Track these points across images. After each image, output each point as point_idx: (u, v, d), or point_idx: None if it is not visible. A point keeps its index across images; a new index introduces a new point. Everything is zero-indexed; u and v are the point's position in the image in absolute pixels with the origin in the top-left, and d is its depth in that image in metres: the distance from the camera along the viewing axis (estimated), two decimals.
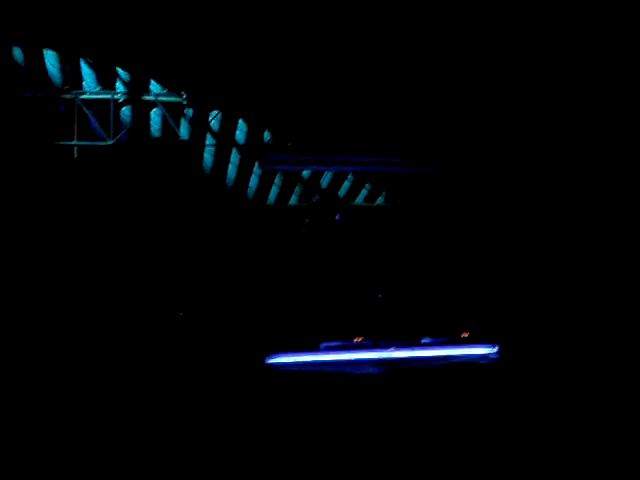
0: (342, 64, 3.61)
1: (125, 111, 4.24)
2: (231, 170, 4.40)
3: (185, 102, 4.13)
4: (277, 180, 3.80)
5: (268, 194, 3.74)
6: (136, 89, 4.15)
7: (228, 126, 4.34)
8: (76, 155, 4.04)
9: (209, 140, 4.49)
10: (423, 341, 3.69)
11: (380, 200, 3.89)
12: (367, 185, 3.92)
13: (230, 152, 4.30)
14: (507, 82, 3.77)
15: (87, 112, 3.99)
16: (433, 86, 3.70)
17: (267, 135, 3.70)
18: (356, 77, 3.63)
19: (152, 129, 4.39)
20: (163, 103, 4.15)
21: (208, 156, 4.50)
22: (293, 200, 3.83)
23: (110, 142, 3.97)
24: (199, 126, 4.36)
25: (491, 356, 3.67)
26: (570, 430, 3.52)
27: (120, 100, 4.12)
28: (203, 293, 3.44)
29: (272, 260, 3.64)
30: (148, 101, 4.24)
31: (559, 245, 3.79)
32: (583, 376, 3.63)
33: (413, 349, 3.64)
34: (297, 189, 3.83)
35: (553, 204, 3.82)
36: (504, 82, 3.76)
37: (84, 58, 4.02)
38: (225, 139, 4.33)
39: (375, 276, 3.81)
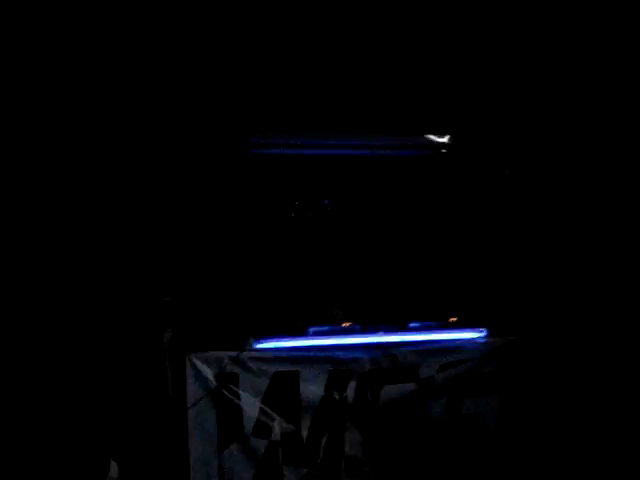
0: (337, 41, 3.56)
1: None
2: None
3: None
4: (266, 163, 3.74)
5: (256, 177, 3.68)
6: None
7: None
8: None
9: None
10: (411, 325, 3.67)
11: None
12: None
13: None
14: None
15: None
16: (436, 64, 3.66)
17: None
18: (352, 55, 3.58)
19: None
20: None
21: None
22: (282, 183, 3.78)
23: None
24: None
25: (479, 340, 3.66)
26: (561, 413, 3.55)
27: None
28: (190, 278, 3.38)
29: (260, 243, 3.59)
30: None
31: (551, 229, 3.78)
32: (571, 359, 3.64)
33: (401, 333, 3.62)
34: (287, 172, 3.78)
35: (547, 189, 3.81)
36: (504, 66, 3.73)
37: None
38: None
39: (364, 260, 3.78)
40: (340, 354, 3.43)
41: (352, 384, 3.36)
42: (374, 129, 3.70)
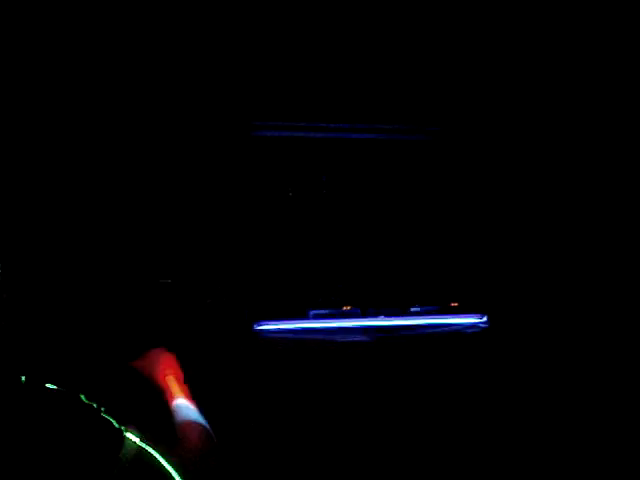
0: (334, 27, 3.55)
1: None
2: None
3: None
4: (267, 145, 3.74)
5: (257, 159, 3.68)
6: None
7: None
8: None
9: None
10: (412, 310, 3.68)
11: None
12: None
13: None
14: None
15: None
16: (432, 52, 3.65)
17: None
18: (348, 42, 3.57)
19: None
20: None
21: None
22: (283, 165, 3.77)
23: None
24: None
25: (480, 325, 3.66)
26: (554, 396, 3.54)
27: None
28: (190, 259, 3.39)
29: (260, 225, 3.59)
30: None
31: (550, 217, 3.77)
32: (570, 345, 3.64)
33: (402, 317, 3.63)
34: (287, 154, 3.78)
35: (544, 176, 3.80)
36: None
37: None
38: None
39: (365, 244, 3.78)
40: (340, 337, 3.44)
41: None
42: (374, 113, 3.69)
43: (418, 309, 3.66)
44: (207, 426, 2.33)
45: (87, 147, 3.29)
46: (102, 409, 1.85)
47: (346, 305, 3.63)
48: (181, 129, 3.41)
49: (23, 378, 1.75)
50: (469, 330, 3.64)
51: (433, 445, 3.42)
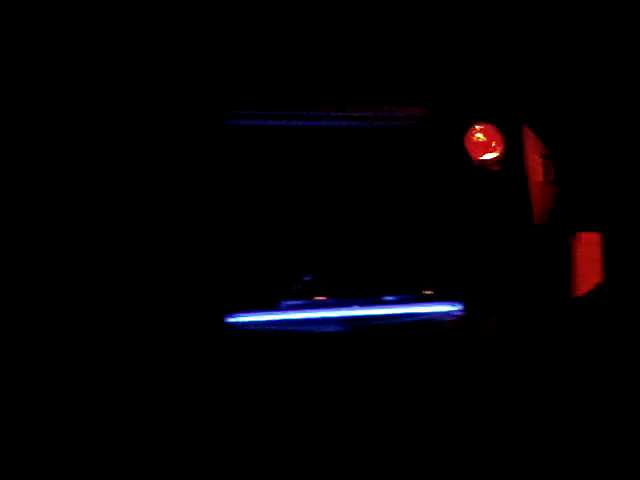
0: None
1: None
2: None
3: None
4: (240, 134, 3.66)
5: (226, 148, 3.61)
6: None
7: None
8: None
9: None
10: (386, 299, 3.64)
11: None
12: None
13: None
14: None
15: None
16: (409, 38, 3.59)
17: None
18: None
19: None
20: None
21: None
22: (256, 154, 3.70)
23: None
24: None
25: (455, 313, 3.63)
26: (531, 382, 3.53)
27: None
28: (159, 251, 3.32)
29: (231, 215, 3.52)
30: None
31: (521, 203, 3.75)
32: (546, 330, 3.62)
33: (376, 307, 3.59)
34: (260, 143, 3.71)
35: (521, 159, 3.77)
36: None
37: None
38: None
39: (337, 233, 3.73)
40: (314, 328, 3.40)
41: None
42: (348, 100, 3.63)
43: (392, 298, 3.62)
44: None
45: (56, 135, 3.21)
46: None
47: (319, 295, 3.59)
48: (153, 118, 3.33)
49: None
50: (444, 318, 3.62)
51: (410, 435, 3.39)
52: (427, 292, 3.72)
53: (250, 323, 3.36)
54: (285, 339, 3.33)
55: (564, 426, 3.43)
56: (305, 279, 3.62)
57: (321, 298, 3.58)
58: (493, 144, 3.68)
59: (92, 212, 3.25)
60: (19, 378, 3.02)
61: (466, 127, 3.73)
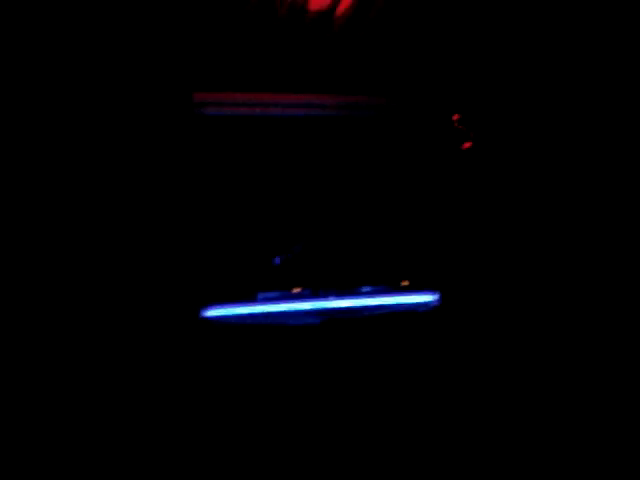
0: None
1: None
2: None
3: None
4: (210, 124, 3.62)
5: (199, 138, 3.56)
6: None
7: None
8: None
9: None
10: (363, 290, 3.62)
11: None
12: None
13: None
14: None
15: None
16: (379, 24, 3.56)
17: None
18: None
19: None
20: None
21: None
22: (227, 144, 3.65)
23: None
24: None
25: (432, 304, 3.62)
26: (508, 371, 3.54)
27: None
28: (133, 245, 3.26)
29: (205, 207, 3.47)
30: None
31: (499, 191, 3.74)
32: (523, 320, 3.63)
33: (352, 298, 3.57)
34: (231, 132, 3.66)
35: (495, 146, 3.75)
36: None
37: None
38: None
39: (313, 225, 3.69)
40: (291, 320, 3.37)
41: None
42: (317, 88, 3.60)
43: (369, 289, 3.61)
44: None
45: (24, 119, 3.13)
46: None
47: (296, 287, 3.56)
48: (123, 106, 3.27)
49: None
50: (421, 309, 3.61)
51: (387, 425, 3.39)
52: (404, 283, 3.70)
53: (226, 316, 3.32)
54: (262, 331, 3.30)
55: (544, 412, 3.45)
56: (282, 271, 3.59)
57: (297, 290, 3.55)
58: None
59: (64, 204, 3.18)
60: None
61: (438, 115, 3.72)
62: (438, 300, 3.63)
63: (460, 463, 3.37)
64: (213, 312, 3.30)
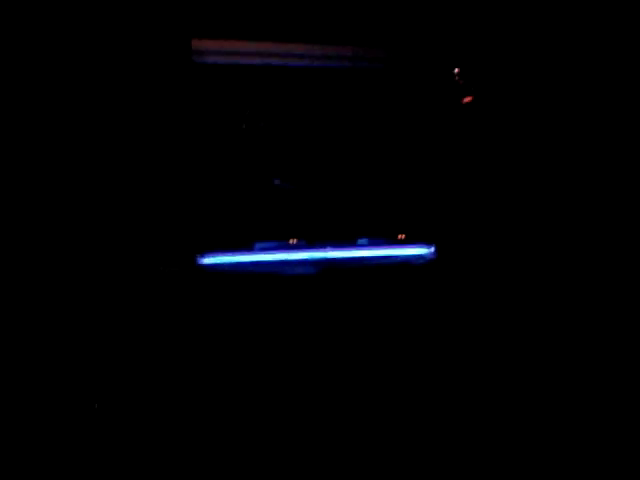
0: None
1: None
2: None
3: None
4: (209, 73, 3.59)
5: (198, 87, 3.54)
6: None
7: None
8: None
9: None
10: (359, 242, 3.63)
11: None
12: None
13: None
14: None
15: None
16: None
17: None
18: None
19: None
20: None
21: None
22: (226, 93, 3.64)
23: None
24: None
25: (427, 256, 3.64)
26: (502, 328, 3.57)
27: None
28: (131, 190, 3.27)
29: (207, 155, 3.47)
30: None
31: (496, 146, 3.73)
32: (518, 275, 3.65)
33: (349, 249, 3.59)
34: (230, 80, 3.64)
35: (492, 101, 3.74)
36: None
37: None
38: None
39: (311, 176, 3.70)
40: (287, 270, 3.39)
41: None
42: (318, 39, 3.57)
43: (365, 241, 3.62)
44: None
45: (16, 79, 3.12)
46: None
47: (293, 237, 3.57)
48: (119, 52, 3.25)
49: None
50: (417, 261, 3.63)
51: (380, 380, 3.42)
52: (400, 236, 3.72)
53: (223, 264, 3.34)
54: (258, 280, 3.33)
55: (534, 374, 3.48)
56: (279, 221, 3.61)
57: (294, 240, 3.57)
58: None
59: (60, 149, 3.18)
60: None
61: (439, 68, 3.70)
62: (434, 253, 3.65)
63: (455, 425, 3.40)
64: (210, 260, 3.32)
